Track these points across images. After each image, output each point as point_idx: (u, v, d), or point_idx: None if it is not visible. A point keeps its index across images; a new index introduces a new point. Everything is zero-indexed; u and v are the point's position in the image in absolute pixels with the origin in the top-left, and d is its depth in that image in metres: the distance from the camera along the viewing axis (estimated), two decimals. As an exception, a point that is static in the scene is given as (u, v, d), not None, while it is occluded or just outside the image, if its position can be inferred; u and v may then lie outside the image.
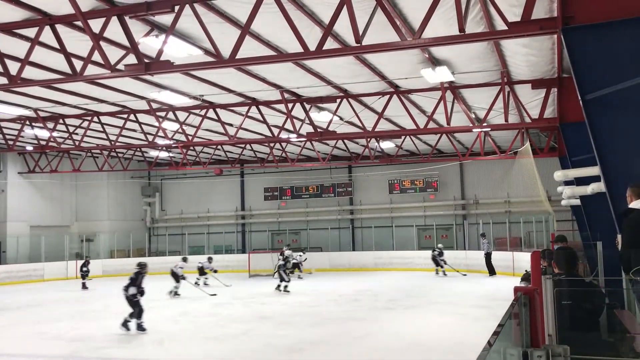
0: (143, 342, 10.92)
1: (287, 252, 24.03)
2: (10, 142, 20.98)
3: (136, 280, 12.29)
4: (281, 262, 19.51)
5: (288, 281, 18.88)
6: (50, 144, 21.22)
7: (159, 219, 34.13)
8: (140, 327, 11.91)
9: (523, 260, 20.32)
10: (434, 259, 23.53)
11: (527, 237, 25.87)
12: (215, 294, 18.36)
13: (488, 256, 22.76)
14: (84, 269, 22.12)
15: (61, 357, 10.07)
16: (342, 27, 9.41)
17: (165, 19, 9.57)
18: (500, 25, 8.93)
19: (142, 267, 12.58)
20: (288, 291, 18.58)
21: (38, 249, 26.81)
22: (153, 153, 27.41)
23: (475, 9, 9.12)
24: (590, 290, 5.19)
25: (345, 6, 8.36)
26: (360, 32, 8.73)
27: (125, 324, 11.97)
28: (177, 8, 8.93)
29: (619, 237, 5.37)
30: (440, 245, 24.50)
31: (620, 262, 5.21)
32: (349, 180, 30.93)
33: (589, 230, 14.24)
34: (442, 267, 23.33)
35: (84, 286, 21.66)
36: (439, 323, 12.42)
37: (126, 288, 12.22)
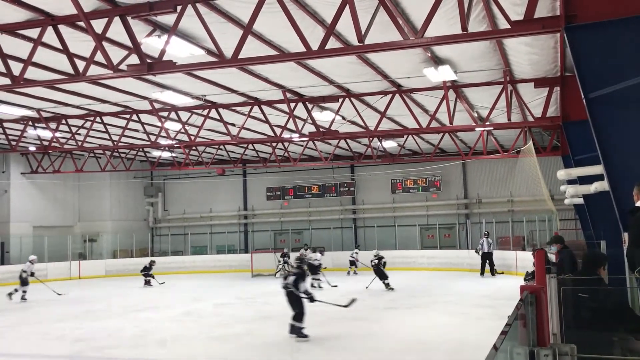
0: (146, 342, 10.92)
1: (309, 254, 23.95)
2: (13, 143, 21.03)
3: (304, 274, 11.06)
4: (375, 261, 19.02)
5: (387, 277, 18.48)
6: (53, 144, 21.25)
7: (162, 219, 34.16)
8: (301, 333, 10.57)
9: (526, 259, 20.27)
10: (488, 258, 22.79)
11: (530, 236, 25.83)
12: (335, 285, 19.16)
13: (486, 256, 22.46)
14: (149, 271, 22.38)
15: (64, 357, 10.07)
16: (345, 26, 9.39)
17: (168, 19, 9.57)
18: (503, 24, 8.92)
19: (302, 261, 11.62)
20: (392, 288, 18.13)
21: (41, 249, 26.81)
22: (155, 153, 27.45)
23: (477, 8, 9.11)
24: (596, 289, 5.18)
25: (347, 5, 8.36)
26: (363, 32, 8.73)
27: (297, 331, 10.64)
28: (179, 8, 8.95)
29: (626, 235, 5.37)
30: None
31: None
32: (352, 179, 30.92)
33: (592, 229, 14.23)
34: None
35: (149, 283, 22.11)
36: (441, 322, 12.40)
37: (295, 284, 10.73)
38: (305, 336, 10.55)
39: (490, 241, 22.76)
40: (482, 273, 22.21)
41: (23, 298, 18.01)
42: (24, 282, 18.13)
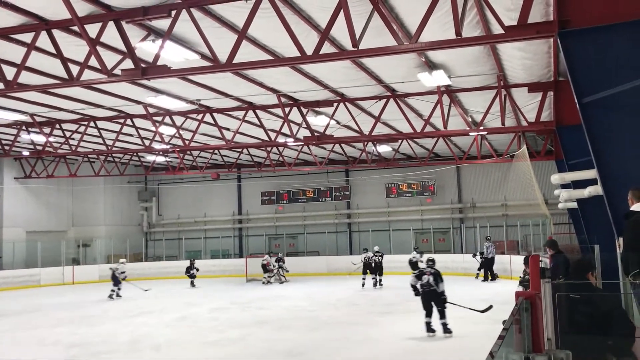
0: (141, 348, 10.88)
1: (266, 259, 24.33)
2: (7, 147, 20.93)
3: (440, 274, 11.36)
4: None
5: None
6: (47, 149, 21.16)
7: (156, 224, 34.05)
8: (447, 329, 11.07)
9: (520, 263, 20.29)
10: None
11: (524, 241, 25.86)
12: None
13: (491, 260, 22.30)
14: (191, 271, 23.20)
15: (58, 363, 10.03)
16: (339, 31, 9.40)
17: (162, 23, 9.56)
18: (497, 30, 8.95)
19: (434, 262, 11.91)
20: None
21: (34, 254, 26.70)
22: (150, 158, 27.36)
23: (471, 13, 9.14)
24: (589, 294, 5.19)
25: (342, 10, 8.37)
26: (357, 37, 8.74)
27: (431, 328, 11.13)
28: (173, 13, 8.93)
29: (620, 239, 5.38)
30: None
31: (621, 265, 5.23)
32: (346, 184, 30.92)
33: (586, 234, 14.27)
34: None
35: (192, 284, 22.89)
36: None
37: (436, 283, 11.14)
38: (451, 331, 11.01)
39: (493, 246, 22.64)
40: (487, 278, 21.96)
41: (118, 295, 19.74)
42: (116, 281, 19.90)
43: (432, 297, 11.16)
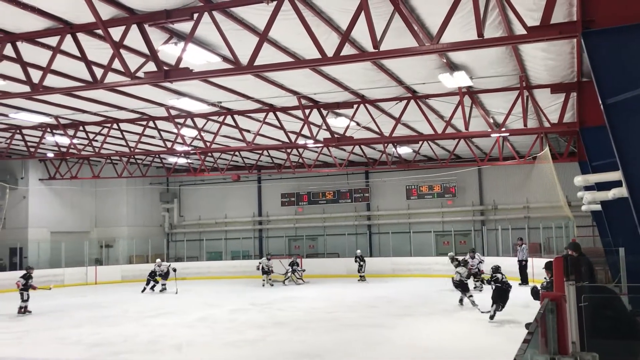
0: (162, 348, 10.98)
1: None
2: (32, 149, 21.29)
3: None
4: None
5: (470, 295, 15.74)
6: (71, 150, 21.51)
7: (177, 225, 34.36)
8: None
9: (542, 267, 19.98)
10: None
11: (546, 243, 25.54)
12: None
13: (525, 263, 21.50)
14: (155, 276, 22.37)
15: (81, 361, 10.15)
16: (360, 32, 9.41)
17: (184, 26, 9.67)
18: (519, 30, 8.88)
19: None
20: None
21: (58, 254, 27.11)
22: (171, 159, 27.63)
23: (493, 14, 9.07)
24: (611, 297, 5.13)
25: (362, 12, 8.37)
26: (378, 38, 8.73)
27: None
28: (196, 16, 9.03)
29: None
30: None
31: None
32: (366, 185, 30.85)
33: (611, 236, 14.06)
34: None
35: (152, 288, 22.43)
36: (456, 329, 12.31)
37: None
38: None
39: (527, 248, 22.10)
40: (526, 281, 20.73)
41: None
42: (165, 276, 22.30)
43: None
